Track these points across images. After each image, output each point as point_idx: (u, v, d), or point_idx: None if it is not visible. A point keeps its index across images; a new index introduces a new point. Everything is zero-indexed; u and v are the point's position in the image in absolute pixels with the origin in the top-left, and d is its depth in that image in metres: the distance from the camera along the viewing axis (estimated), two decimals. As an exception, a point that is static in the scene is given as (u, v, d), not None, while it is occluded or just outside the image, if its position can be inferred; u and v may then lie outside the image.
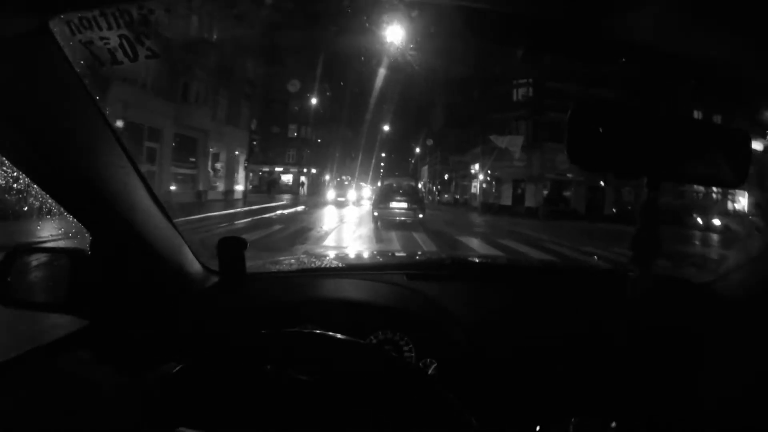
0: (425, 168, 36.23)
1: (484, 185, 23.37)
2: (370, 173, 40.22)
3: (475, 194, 25.96)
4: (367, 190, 32.58)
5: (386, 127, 33.79)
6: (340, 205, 20.02)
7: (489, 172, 22.37)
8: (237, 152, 22.27)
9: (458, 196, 29.08)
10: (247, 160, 19.01)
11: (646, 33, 0.54)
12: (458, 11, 0.58)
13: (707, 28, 0.50)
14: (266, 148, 36.45)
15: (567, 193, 22.08)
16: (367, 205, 21.43)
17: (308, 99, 32.91)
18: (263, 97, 27.98)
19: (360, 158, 40.78)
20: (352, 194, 23.01)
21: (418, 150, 34.95)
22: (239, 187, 22.46)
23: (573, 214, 19.98)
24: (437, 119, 29.06)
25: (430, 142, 30.09)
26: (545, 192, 21.35)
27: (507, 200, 22.06)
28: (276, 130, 37.38)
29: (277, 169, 37.89)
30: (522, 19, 0.57)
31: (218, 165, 20.11)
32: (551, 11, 0.54)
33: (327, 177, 37.18)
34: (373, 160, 40.79)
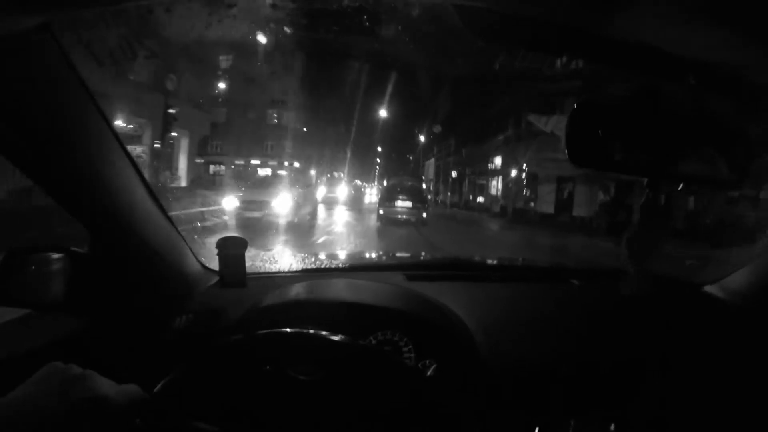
0: (430, 163, 29.82)
1: (511, 185, 17.29)
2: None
3: (496, 197, 19.96)
4: (343, 188, 23.27)
5: (383, 113, 27.72)
6: (249, 226, 7.72)
7: (525, 166, 16.22)
8: (176, 134, 16.27)
9: (471, 198, 22.96)
10: (161, 140, 12.72)
11: (646, 33, 0.54)
12: (457, 10, 0.57)
13: (707, 28, 0.51)
14: (240, 137, 30.74)
15: (628, 199, 16.10)
16: (341, 220, 12.33)
17: (291, 76, 26.91)
18: (231, 70, 21.92)
19: (349, 153, 33.88)
20: (285, 200, 8.38)
21: (422, 138, 28.52)
22: (181, 183, 16.70)
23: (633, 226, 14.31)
24: (445, 100, 22.90)
25: (437, 128, 23.72)
26: (602, 197, 15.39)
27: (547, 206, 16.01)
28: (252, 116, 31.53)
29: (253, 161, 32.02)
30: (521, 20, 0.57)
31: (138, 149, 14.03)
32: (551, 12, 0.54)
33: (312, 172, 31.03)
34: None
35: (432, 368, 0.88)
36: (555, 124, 14.75)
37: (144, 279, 0.87)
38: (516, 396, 0.82)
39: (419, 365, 0.89)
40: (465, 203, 22.72)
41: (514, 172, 16.77)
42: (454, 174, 24.58)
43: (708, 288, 1.09)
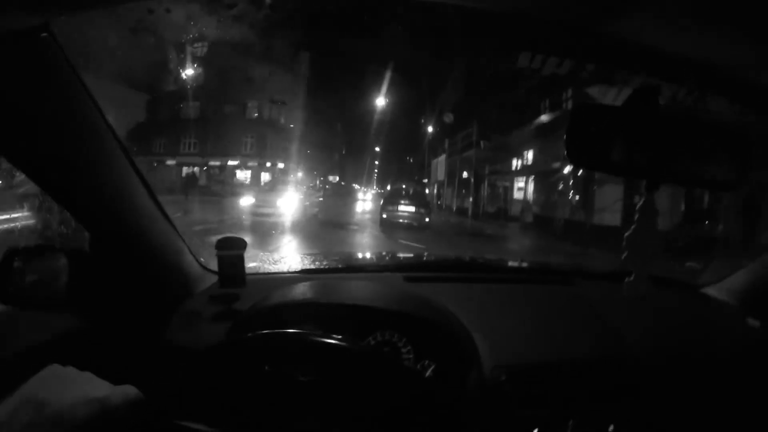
0: (439, 161, 25.19)
1: (562, 186, 12.79)
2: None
3: (528, 202, 15.50)
4: (293, 196, 12.83)
5: (380, 102, 23.49)
6: None
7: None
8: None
9: (486, 204, 18.45)
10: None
11: (647, 33, 0.54)
12: (457, 11, 0.54)
13: (707, 28, 0.51)
14: (217, 135, 26.43)
15: (711, 201, 11.63)
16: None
17: (275, 63, 22.56)
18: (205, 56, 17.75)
19: (307, 149, 28.60)
20: None
21: (430, 129, 23.94)
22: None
23: (722, 243, 9.98)
24: (458, 80, 18.45)
25: (449, 118, 19.17)
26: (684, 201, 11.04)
27: (609, 217, 11.55)
28: (230, 110, 27.16)
29: (231, 162, 27.59)
30: (523, 20, 0.58)
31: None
32: (553, 12, 0.55)
33: (300, 174, 26.64)
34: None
35: (431, 369, 0.87)
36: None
37: (143, 279, 0.88)
38: (515, 396, 0.82)
39: (418, 366, 0.89)
40: (481, 212, 18.15)
41: (567, 169, 12.24)
42: (464, 174, 20.07)
43: (708, 289, 1.12)
